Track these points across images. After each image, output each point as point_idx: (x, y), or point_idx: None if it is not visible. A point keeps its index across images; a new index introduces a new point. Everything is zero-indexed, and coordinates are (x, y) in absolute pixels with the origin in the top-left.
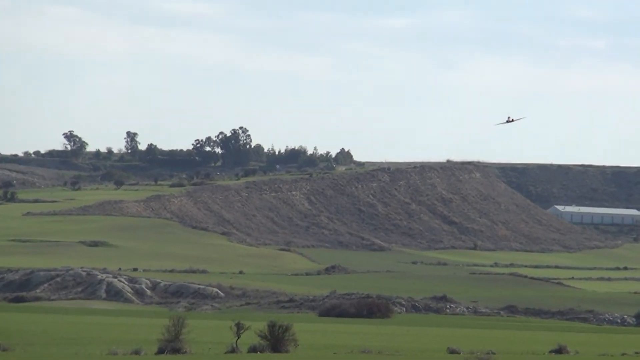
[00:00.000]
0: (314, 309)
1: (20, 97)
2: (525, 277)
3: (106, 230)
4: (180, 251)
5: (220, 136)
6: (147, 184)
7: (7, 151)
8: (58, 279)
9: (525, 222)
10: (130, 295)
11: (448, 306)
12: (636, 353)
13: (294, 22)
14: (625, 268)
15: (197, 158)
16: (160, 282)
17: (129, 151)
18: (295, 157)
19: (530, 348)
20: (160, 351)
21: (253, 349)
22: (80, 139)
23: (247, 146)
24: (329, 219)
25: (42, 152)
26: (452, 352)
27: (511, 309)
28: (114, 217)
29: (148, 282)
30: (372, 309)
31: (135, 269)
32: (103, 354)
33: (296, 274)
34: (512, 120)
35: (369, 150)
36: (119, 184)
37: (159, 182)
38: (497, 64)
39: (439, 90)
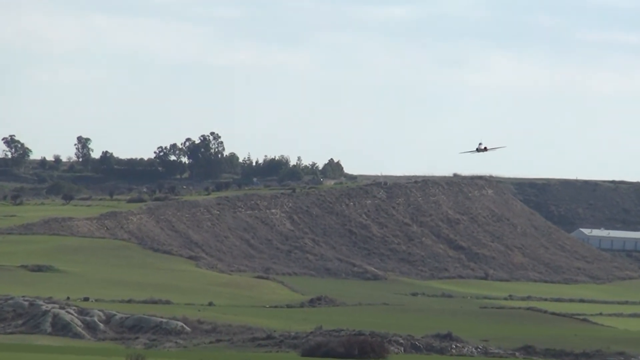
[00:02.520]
0: (295, 348)
1: None
2: (545, 312)
3: (52, 252)
4: (140, 278)
5: (187, 143)
6: (101, 199)
7: None
8: None
9: (545, 247)
10: (80, 329)
11: (454, 346)
12: None
13: (273, 10)
14: None
15: (160, 169)
16: (115, 315)
17: (80, 160)
18: (275, 169)
19: None
20: None
21: None
22: (22, 144)
23: (219, 155)
24: (314, 242)
25: None
26: None
27: (528, 350)
28: (62, 237)
29: (101, 314)
30: (364, 348)
31: (86, 299)
32: None
33: (276, 306)
34: (485, 149)
35: (362, 161)
36: (67, 198)
37: (115, 197)
38: (511, 62)
39: (444, 91)
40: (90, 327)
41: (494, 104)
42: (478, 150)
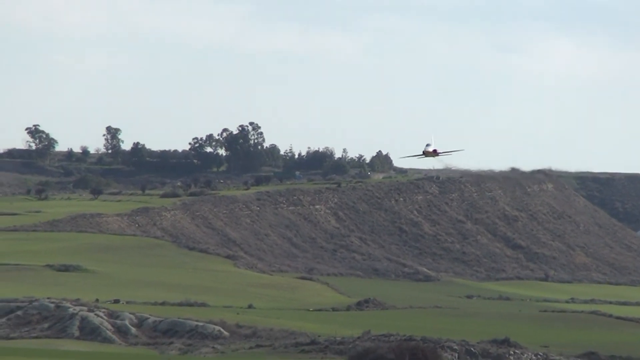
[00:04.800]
0: (342, 354)
1: None
2: (610, 316)
3: (80, 251)
4: (174, 279)
5: (224, 134)
6: (131, 194)
7: None
8: (19, 313)
9: (610, 247)
10: (110, 333)
11: (512, 352)
12: None
13: None
14: None
15: (195, 161)
16: (148, 318)
17: (109, 152)
18: (319, 162)
19: None
20: None
21: None
22: (47, 135)
23: (259, 147)
24: (361, 241)
25: (0, 151)
26: None
27: (591, 357)
28: (90, 234)
29: (133, 317)
30: (416, 355)
31: (116, 301)
32: None
33: (320, 309)
34: (436, 154)
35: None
36: (96, 192)
37: (147, 192)
38: (573, 47)
39: (500, 79)
40: (121, 331)
41: (553, 92)
42: (425, 154)
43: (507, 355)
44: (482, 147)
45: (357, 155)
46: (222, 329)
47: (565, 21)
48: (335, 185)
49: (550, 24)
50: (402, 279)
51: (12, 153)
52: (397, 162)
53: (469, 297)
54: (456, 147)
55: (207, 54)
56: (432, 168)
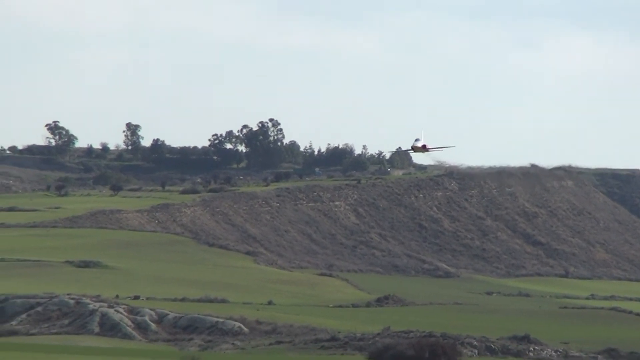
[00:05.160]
0: (362, 350)
1: None
2: (630, 312)
3: (100, 247)
4: (194, 275)
5: (244, 131)
6: (151, 190)
7: None
8: (39, 309)
9: (630, 243)
10: (130, 329)
11: (531, 348)
12: None
13: None
14: None
15: (215, 158)
16: (168, 314)
17: (129, 148)
18: (339, 158)
19: None
20: None
21: None
22: (67, 131)
23: (279, 143)
24: (381, 237)
25: (19, 147)
26: None
27: (611, 353)
28: (110, 230)
29: (153, 313)
30: (435, 351)
31: (136, 297)
32: None
33: (340, 306)
34: (425, 149)
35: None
36: (116, 189)
37: (167, 188)
38: (590, 42)
39: (519, 74)
40: (141, 327)
41: (572, 88)
42: (414, 149)
43: (527, 352)
44: (501, 144)
45: (377, 152)
46: (242, 325)
47: (583, 17)
48: (355, 182)
49: (567, 20)
50: (422, 276)
51: (32, 149)
52: (417, 159)
53: (489, 293)
54: (437, 146)
55: (227, 50)
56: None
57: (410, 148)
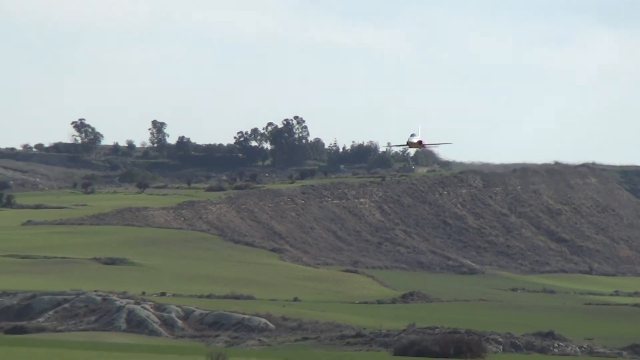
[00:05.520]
0: (387, 346)
1: (17, 78)
2: None
3: (126, 244)
4: (220, 272)
5: (269, 128)
6: (177, 187)
7: (3, 144)
8: (66, 305)
9: None
10: (156, 326)
11: (556, 345)
12: None
13: None
14: None
15: (240, 155)
16: (194, 311)
17: (155, 146)
18: (363, 156)
19: None
20: None
21: None
22: (93, 129)
23: (303, 141)
24: (406, 234)
25: (46, 145)
26: None
27: (636, 350)
28: (136, 227)
29: (179, 310)
30: (460, 347)
31: (162, 294)
32: None
33: (365, 302)
34: (421, 145)
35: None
36: (142, 186)
37: (192, 185)
38: (615, 39)
39: (545, 72)
40: (168, 323)
41: (598, 85)
42: (409, 144)
43: (551, 348)
44: (525, 140)
45: (401, 149)
46: (268, 322)
47: (610, 14)
48: (379, 179)
49: (593, 16)
50: (447, 272)
51: (58, 147)
52: (441, 156)
53: (513, 290)
54: (432, 142)
55: (251, 48)
56: (475, 162)
57: (405, 143)
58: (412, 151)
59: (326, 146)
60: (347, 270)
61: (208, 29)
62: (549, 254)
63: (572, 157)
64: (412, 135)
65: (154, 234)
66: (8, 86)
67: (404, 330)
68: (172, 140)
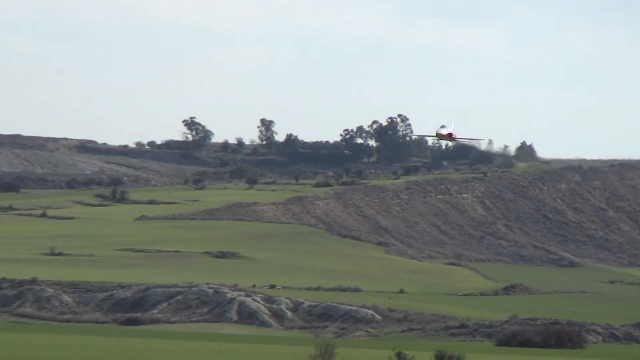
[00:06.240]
0: (490, 337)
1: (130, 77)
2: None
3: (237, 238)
4: (327, 265)
5: (374, 126)
6: (286, 183)
7: (116, 142)
8: (179, 297)
9: None
10: (267, 317)
11: None
12: None
13: None
14: None
15: (346, 152)
16: (303, 303)
17: (264, 143)
18: (465, 153)
19: None
20: None
21: None
22: (203, 127)
23: (407, 138)
24: (507, 228)
25: (158, 142)
26: None
27: None
28: (246, 222)
29: (288, 302)
30: (561, 337)
31: (272, 286)
32: None
33: (468, 294)
34: (451, 138)
35: (556, 144)
36: (251, 182)
37: (300, 181)
38: None
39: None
40: (278, 315)
41: None
42: (438, 136)
43: None
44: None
45: (502, 146)
46: (374, 313)
47: None
48: (481, 175)
49: None
50: (547, 265)
51: (170, 144)
52: (541, 153)
53: (612, 282)
54: (464, 136)
55: (357, 48)
56: (574, 158)
57: (435, 134)
58: (512, 148)
59: (429, 143)
60: (450, 264)
61: (315, 30)
62: None
63: None
64: (442, 126)
65: (263, 228)
66: (122, 86)
67: (507, 321)
68: (280, 137)
